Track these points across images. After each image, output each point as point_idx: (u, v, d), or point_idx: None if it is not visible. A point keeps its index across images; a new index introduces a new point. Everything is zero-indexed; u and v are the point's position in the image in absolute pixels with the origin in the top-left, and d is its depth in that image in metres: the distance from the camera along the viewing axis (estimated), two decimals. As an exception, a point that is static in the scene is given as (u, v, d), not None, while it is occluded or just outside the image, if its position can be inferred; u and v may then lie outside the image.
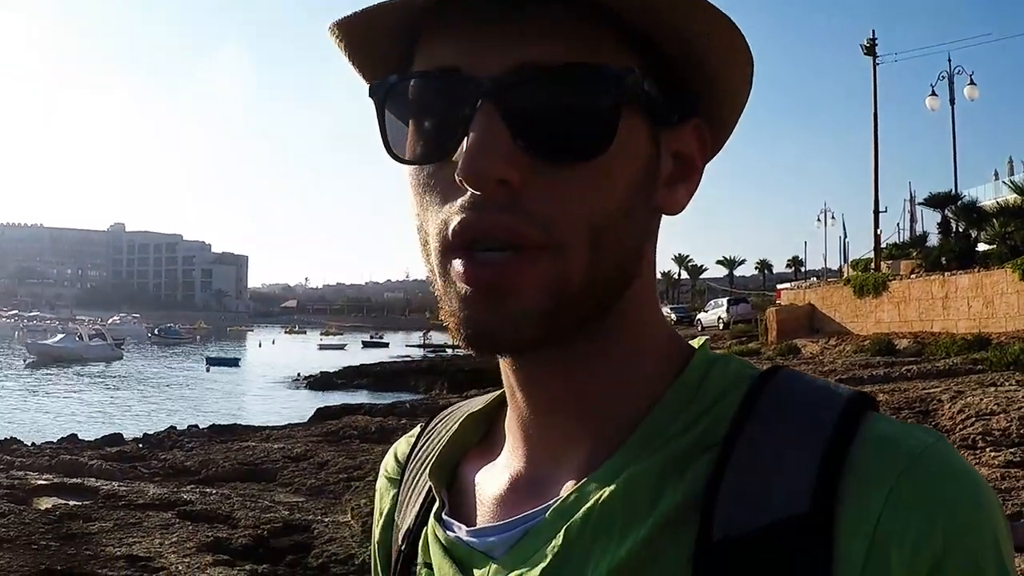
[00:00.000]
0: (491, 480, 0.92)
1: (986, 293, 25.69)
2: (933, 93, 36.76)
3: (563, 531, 0.79)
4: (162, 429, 20.13)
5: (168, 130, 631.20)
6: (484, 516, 0.90)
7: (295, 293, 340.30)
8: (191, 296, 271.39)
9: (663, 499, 0.76)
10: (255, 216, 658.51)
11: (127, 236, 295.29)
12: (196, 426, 20.58)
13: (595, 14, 0.76)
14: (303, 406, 30.10)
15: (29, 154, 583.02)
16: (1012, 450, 10.20)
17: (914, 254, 37.33)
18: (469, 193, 0.75)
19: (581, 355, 0.84)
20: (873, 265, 37.53)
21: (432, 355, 63.98)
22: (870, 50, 38.11)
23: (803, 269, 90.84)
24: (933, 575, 0.68)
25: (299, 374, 46.15)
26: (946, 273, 28.36)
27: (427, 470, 0.98)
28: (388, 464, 1.12)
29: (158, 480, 13.11)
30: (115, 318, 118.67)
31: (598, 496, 0.79)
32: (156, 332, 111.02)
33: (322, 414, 22.51)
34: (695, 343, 0.92)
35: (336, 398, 32.13)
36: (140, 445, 17.58)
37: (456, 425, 1.01)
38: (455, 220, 0.76)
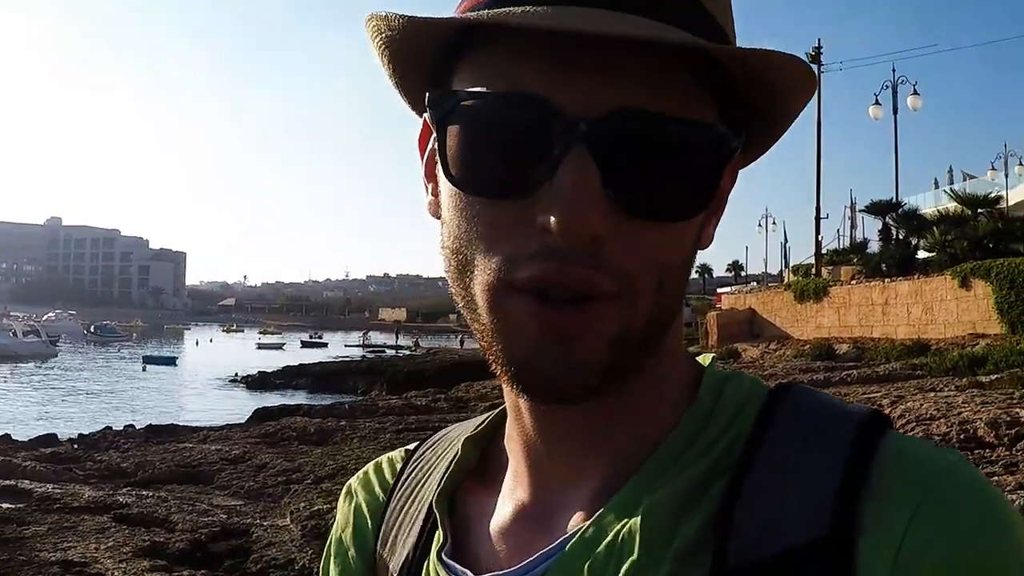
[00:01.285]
0: (495, 512, 0.88)
1: (925, 300, 26.17)
2: (877, 102, 37.22)
3: (586, 568, 0.74)
4: (98, 429, 20.04)
5: (115, 124, 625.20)
6: (492, 554, 0.85)
7: (233, 291, 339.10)
8: (128, 293, 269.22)
9: (681, 528, 0.73)
10: (194, 213, 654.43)
11: (64, 230, 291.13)
12: (132, 426, 20.42)
13: (692, 62, 0.72)
14: (241, 406, 30.04)
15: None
16: (953, 456, 10.31)
17: (855, 260, 37.84)
18: (549, 239, 0.70)
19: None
20: (814, 271, 38.04)
21: (371, 355, 64.07)
22: (815, 58, 38.66)
23: (743, 274, 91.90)
24: None
25: (237, 374, 45.87)
26: (886, 279, 28.87)
27: (426, 499, 0.94)
28: (366, 486, 1.05)
29: (94, 482, 12.94)
30: (50, 315, 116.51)
31: (618, 529, 0.74)
32: (92, 330, 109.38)
33: (260, 415, 22.56)
34: (703, 360, 0.90)
35: (274, 398, 32.21)
36: (75, 446, 17.48)
37: (458, 452, 0.95)
38: (530, 266, 0.71)
